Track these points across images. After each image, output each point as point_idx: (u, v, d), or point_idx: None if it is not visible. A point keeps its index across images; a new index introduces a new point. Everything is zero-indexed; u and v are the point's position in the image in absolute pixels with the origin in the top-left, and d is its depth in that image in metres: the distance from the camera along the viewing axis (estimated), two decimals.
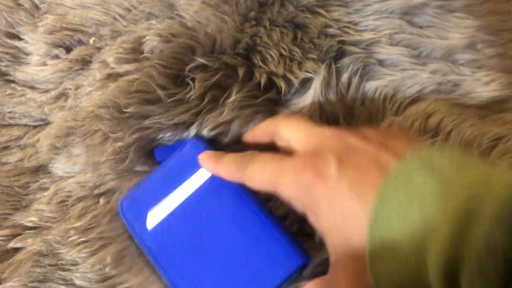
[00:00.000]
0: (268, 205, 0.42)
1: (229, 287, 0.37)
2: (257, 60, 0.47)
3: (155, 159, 0.45)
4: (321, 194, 0.30)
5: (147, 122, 0.44)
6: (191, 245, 0.39)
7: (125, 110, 0.44)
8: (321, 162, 0.31)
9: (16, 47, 0.50)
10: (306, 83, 0.47)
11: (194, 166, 0.41)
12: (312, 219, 0.33)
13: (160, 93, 0.44)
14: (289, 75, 0.46)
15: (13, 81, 0.49)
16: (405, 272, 0.25)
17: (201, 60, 0.45)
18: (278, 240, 0.38)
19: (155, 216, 0.40)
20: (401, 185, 0.26)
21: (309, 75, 0.46)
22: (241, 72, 0.46)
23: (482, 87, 0.46)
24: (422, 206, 0.25)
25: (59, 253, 0.44)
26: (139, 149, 0.44)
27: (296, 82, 0.46)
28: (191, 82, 0.45)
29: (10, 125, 0.49)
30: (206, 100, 0.44)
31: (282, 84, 0.46)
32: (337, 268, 0.31)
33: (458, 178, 0.26)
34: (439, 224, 0.25)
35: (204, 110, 0.45)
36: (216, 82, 0.45)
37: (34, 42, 0.49)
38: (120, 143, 0.44)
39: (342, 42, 0.48)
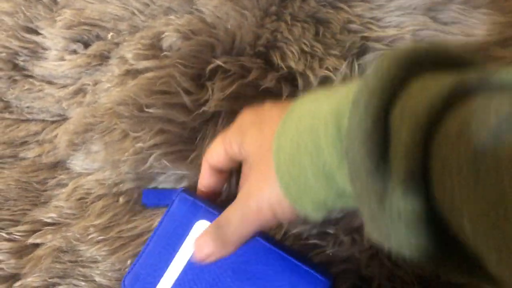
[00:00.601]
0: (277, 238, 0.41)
1: None
2: (276, 57, 0.46)
3: (178, 166, 0.44)
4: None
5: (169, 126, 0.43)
6: None
7: (147, 110, 0.44)
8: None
9: (35, 42, 0.49)
10: (325, 81, 0.46)
11: (187, 223, 0.38)
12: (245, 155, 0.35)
13: (185, 99, 0.44)
14: (308, 72, 0.45)
15: (31, 76, 0.49)
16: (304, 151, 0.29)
17: (219, 62, 0.44)
18: (298, 268, 0.37)
19: None
20: (297, 111, 0.31)
21: (328, 73, 0.45)
22: (254, 74, 0.45)
23: None
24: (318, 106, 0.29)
25: (79, 250, 0.44)
26: (160, 153, 0.44)
27: (314, 80, 0.46)
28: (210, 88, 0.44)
29: (28, 120, 0.49)
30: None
31: (300, 81, 0.45)
32: (248, 170, 0.35)
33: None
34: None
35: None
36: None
37: (52, 36, 0.49)
38: (140, 144, 0.44)
39: (365, 38, 0.47)
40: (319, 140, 0.28)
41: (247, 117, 0.36)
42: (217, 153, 0.37)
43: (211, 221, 0.37)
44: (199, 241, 0.34)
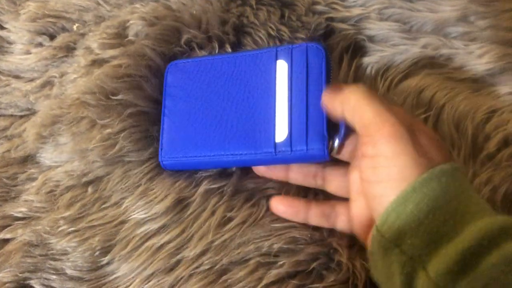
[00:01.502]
0: None
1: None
2: (247, 41, 0.46)
3: (146, 147, 0.44)
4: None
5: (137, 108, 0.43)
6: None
7: (112, 97, 0.44)
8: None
9: None
10: None
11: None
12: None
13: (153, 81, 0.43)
14: None
15: None
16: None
17: (193, 31, 0.44)
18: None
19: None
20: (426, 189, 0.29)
21: None
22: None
23: (476, 60, 0.44)
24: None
25: (49, 243, 0.43)
26: (129, 135, 0.44)
27: None
28: None
29: None
30: None
31: None
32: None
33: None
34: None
35: None
36: None
37: (17, 30, 0.48)
38: (108, 130, 0.43)
39: (330, 19, 0.46)
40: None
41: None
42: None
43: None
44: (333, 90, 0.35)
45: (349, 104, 0.33)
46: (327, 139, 0.37)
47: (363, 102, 0.32)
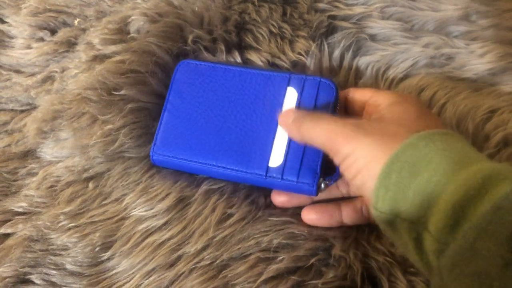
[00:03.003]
0: None
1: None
2: (249, 39, 0.46)
3: (147, 143, 0.44)
4: None
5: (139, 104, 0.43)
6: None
7: (115, 93, 0.43)
8: None
9: (0, 31, 0.49)
10: (297, 64, 0.46)
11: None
12: None
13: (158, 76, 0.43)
14: (283, 57, 0.45)
15: None
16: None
17: (196, 30, 0.44)
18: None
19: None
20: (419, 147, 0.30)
21: (301, 57, 0.45)
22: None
23: (477, 59, 0.45)
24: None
25: (49, 238, 0.43)
26: (129, 131, 0.44)
27: (288, 64, 0.46)
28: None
29: None
30: None
31: (278, 63, 0.45)
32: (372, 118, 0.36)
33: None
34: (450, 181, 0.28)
35: None
36: None
37: (18, 24, 0.48)
38: (109, 126, 0.43)
39: (332, 17, 0.46)
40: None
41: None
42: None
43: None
44: (285, 111, 0.39)
45: (299, 132, 0.36)
46: (319, 176, 0.38)
47: (308, 129, 0.36)
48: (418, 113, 0.34)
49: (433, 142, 0.30)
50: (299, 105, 0.40)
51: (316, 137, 0.35)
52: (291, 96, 0.40)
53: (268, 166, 0.39)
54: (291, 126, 0.37)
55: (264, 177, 0.39)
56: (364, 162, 0.32)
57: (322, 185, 0.38)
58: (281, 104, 0.40)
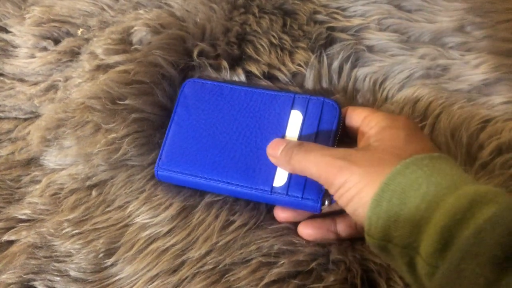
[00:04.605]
0: None
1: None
2: (250, 50, 0.47)
3: (150, 152, 0.45)
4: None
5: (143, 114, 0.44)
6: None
7: (119, 102, 0.44)
8: None
9: (4, 40, 0.49)
10: (297, 74, 0.47)
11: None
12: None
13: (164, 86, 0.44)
14: (283, 68, 0.46)
15: (1, 74, 0.49)
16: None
17: (200, 43, 0.45)
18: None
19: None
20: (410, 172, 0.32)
21: (300, 68, 0.46)
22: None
23: (471, 70, 0.46)
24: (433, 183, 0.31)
25: (53, 245, 0.44)
26: (133, 140, 0.44)
27: (288, 75, 0.47)
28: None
29: (0, 118, 0.49)
30: None
31: (278, 75, 0.46)
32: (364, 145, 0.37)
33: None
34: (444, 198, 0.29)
35: None
36: None
37: (22, 34, 0.49)
38: (113, 134, 0.44)
39: (331, 28, 0.48)
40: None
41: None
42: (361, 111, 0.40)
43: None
44: (273, 143, 0.40)
45: (289, 165, 0.38)
46: (323, 193, 0.39)
47: (299, 161, 0.37)
48: (407, 137, 0.35)
49: (420, 168, 0.31)
50: (302, 126, 0.41)
51: (307, 169, 0.37)
52: (295, 117, 0.42)
53: (272, 185, 0.40)
54: (279, 158, 0.39)
55: (269, 193, 0.40)
56: (356, 191, 0.33)
57: (326, 202, 0.39)
58: (285, 124, 0.42)
